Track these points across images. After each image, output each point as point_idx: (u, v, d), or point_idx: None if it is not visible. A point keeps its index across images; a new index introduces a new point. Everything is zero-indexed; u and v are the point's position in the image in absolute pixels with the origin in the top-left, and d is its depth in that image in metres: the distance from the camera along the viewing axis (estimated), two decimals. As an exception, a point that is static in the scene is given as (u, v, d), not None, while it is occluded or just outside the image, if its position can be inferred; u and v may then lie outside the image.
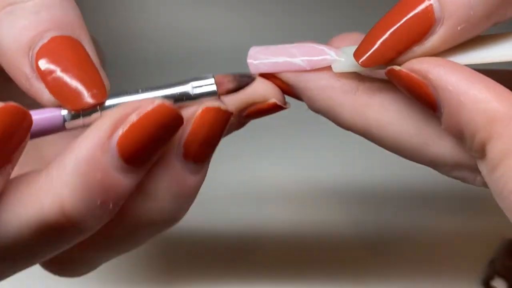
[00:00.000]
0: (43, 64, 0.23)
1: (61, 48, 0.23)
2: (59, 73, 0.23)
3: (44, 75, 0.22)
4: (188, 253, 0.45)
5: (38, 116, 0.23)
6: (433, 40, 0.24)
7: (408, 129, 0.25)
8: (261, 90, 0.27)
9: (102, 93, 0.23)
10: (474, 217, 0.47)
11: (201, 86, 0.25)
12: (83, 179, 0.22)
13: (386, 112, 0.26)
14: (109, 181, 0.22)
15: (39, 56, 0.23)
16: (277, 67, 0.26)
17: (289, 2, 0.43)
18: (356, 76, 0.26)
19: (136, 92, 0.25)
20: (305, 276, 0.45)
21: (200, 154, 0.25)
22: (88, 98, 0.23)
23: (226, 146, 0.30)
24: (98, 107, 0.24)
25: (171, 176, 0.24)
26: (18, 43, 0.23)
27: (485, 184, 0.24)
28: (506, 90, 0.23)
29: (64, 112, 0.24)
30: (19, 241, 0.22)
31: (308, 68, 0.26)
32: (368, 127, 0.26)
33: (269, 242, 0.46)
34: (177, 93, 0.24)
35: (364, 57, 0.24)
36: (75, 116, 0.24)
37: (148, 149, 0.23)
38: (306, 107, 0.28)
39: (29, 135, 0.21)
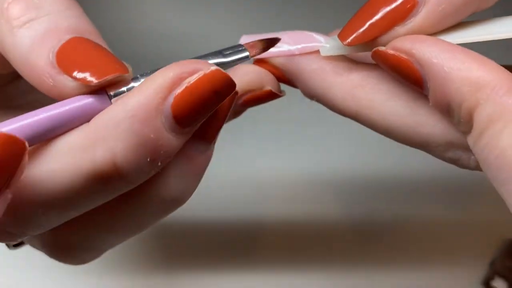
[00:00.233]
0: (64, 59, 0.23)
1: (80, 44, 0.24)
2: (80, 60, 0.23)
3: (66, 68, 0.23)
4: (186, 243, 0.45)
5: (81, 102, 0.24)
6: (416, 20, 0.24)
7: (399, 110, 0.26)
8: (256, 78, 0.28)
9: (124, 67, 0.24)
10: (475, 217, 0.47)
11: (233, 53, 0.25)
12: (137, 137, 0.22)
13: (377, 93, 0.26)
14: (160, 140, 0.23)
15: (59, 54, 0.23)
16: (267, 52, 0.27)
17: (289, 6, 0.44)
18: (347, 59, 0.27)
19: None
20: (302, 264, 0.45)
21: (210, 134, 0.26)
22: (110, 69, 0.23)
23: (226, 139, 0.30)
24: (125, 88, 0.24)
25: (181, 154, 0.25)
26: (39, 48, 0.24)
27: (479, 167, 0.24)
28: (488, 60, 0.23)
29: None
30: (70, 189, 0.23)
31: (297, 53, 0.27)
32: (360, 108, 0.26)
33: (266, 232, 0.46)
34: (213, 63, 0.25)
35: (349, 38, 0.25)
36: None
37: (199, 112, 0.23)
38: (302, 101, 0.29)
39: (26, 160, 0.21)
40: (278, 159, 0.47)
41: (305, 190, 0.47)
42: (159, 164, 0.23)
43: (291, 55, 0.27)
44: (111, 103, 0.24)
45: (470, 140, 0.24)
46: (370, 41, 0.25)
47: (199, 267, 0.45)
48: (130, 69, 0.24)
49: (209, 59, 0.25)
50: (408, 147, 0.27)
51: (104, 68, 0.23)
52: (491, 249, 0.46)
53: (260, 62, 0.28)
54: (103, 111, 0.23)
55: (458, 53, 0.23)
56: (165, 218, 0.27)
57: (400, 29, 0.25)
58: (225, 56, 0.25)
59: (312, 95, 0.28)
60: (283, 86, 0.29)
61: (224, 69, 0.24)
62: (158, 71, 0.23)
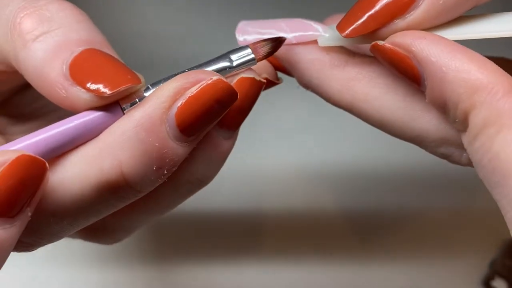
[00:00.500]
0: (77, 71, 0.24)
1: (92, 56, 0.24)
2: (92, 72, 0.24)
3: (79, 80, 0.23)
4: (185, 236, 0.46)
5: (92, 116, 0.24)
6: (416, 14, 0.24)
7: (395, 103, 0.26)
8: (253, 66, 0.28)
9: (137, 78, 0.24)
10: (475, 217, 0.47)
11: (240, 58, 0.26)
12: (142, 146, 0.23)
13: (373, 86, 0.26)
14: (165, 149, 0.23)
15: (72, 66, 0.24)
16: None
17: (288, 8, 0.44)
18: (345, 50, 0.27)
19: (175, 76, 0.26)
20: (301, 257, 0.45)
21: (233, 122, 0.26)
22: (124, 80, 0.24)
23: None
24: (137, 99, 0.24)
25: (207, 141, 0.26)
26: (52, 60, 0.24)
27: (470, 163, 0.24)
28: (488, 61, 0.23)
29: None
30: (80, 199, 0.23)
31: (294, 42, 0.27)
32: (355, 101, 0.26)
33: (265, 226, 0.46)
34: (219, 67, 0.25)
35: (347, 29, 0.25)
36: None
37: (203, 121, 0.24)
38: (304, 94, 0.29)
39: (47, 180, 0.22)
40: (277, 153, 0.47)
41: (304, 184, 0.47)
42: (165, 172, 0.24)
43: (288, 44, 0.27)
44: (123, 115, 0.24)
45: (465, 139, 0.24)
46: (369, 34, 0.25)
47: (198, 260, 0.45)
48: (143, 79, 0.25)
49: (216, 64, 0.25)
50: (408, 144, 0.27)
51: (117, 79, 0.23)
52: (491, 249, 0.46)
53: None
54: (114, 123, 0.24)
55: (457, 53, 0.23)
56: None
57: (400, 22, 0.25)
58: (231, 61, 0.26)
59: (308, 85, 0.27)
60: (280, 74, 0.29)
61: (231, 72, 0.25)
62: (165, 82, 0.24)
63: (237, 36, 0.27)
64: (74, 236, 0.29)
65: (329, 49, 0.27)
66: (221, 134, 0.26)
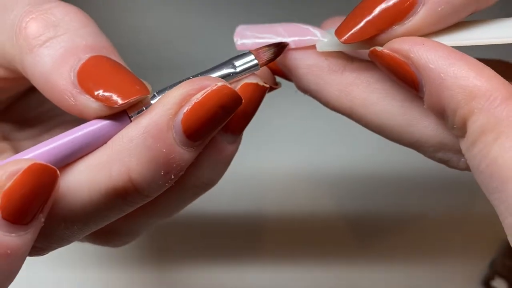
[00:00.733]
0: (85, 78, 0.24)
1: (99, 62, 0.24)
2: (101, 81, 0.24)
3: (87, 88, 0.24)
4: (186, 238, 0.46)
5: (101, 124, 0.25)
6: (414, 20, 0.24)
7: (393, 109, 0.26)
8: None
9: (145, 88, 0.24)
10: (475, 217, 0.47)
11: (243, 64, 0.26)
12: (150, 151, 0.24)
13: (371, 92, 0.26)
14: (172, 155, 0.24)
15: (80, 73, 0.24)
16: (263, 45, 0.27)
17: (288, 10, 0.44)
18: (344, 56, 0.27)
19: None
20: (301, 259, 0.46)
21: (237, 127, 0.27)
22: (133, 91, 0.24)
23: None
24: (144, 107, 0.25)
25: (212, 146, 0.26)
26: (59, 67, 0.24)
27: (468, 167, 0.24)
28: (486, 67, 0.23)
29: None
30: (90, 205, 0.24)
31: (293, 46, 0.27)
32: (354, 106, 0.26)
33: (265, 228, 0.46)
34: (223, 73, 0.26)
35: (345, 35, 0.25)
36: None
37: (209, 126, 0.24)
38: (303, 98, 0.29)
39: (58, 187, 0.23)
40: (278, 156, 0.47)
41: (305, 187, 0.47)
42: (173, 177, 0.24)
43: (287, 49, 0.27)
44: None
45: (463, 145, 0.24)
46: (367, 39, 0.25)
47: (198, 261, 0.46)
48: (150, 88, 0.25)
49: (220, 70, 0.26)
50: (408, 147, 0.27)
51: (126, 90, 0.24)
52: (491, 249, 0.46)
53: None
54: (121, 131, 0.24)
55: (456, 60, 0.23)
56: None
57: (398, 29, 0.25)
58: (235, 67, 0.26)
59: (306, 90, 0.28)
60: (279, 79, 0.29)
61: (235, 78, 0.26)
62: (171, 89, 0.25)
63: (235, 40, 0.27)
64: (82, 239, 0.30)
65: (327, 54, 0.27)
66: (225, 139, 0.27)
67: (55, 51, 0.24)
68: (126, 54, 0.28)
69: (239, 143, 0.28)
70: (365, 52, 0.26)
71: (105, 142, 0.24)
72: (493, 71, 0.23)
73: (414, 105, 0.26)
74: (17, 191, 0.22)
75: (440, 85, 0.23)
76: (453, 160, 0.26)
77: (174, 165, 0.24)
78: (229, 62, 0.26)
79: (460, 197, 0.47)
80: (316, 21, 0.31)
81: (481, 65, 0.23)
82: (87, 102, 0.24)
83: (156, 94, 0.25)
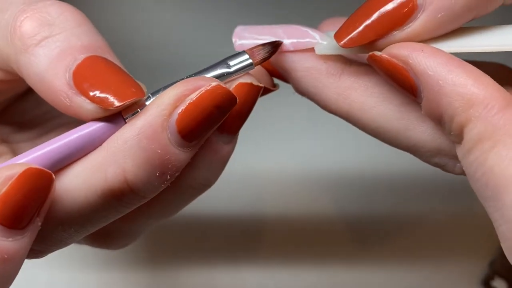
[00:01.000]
0: (81, 80, 0.24)
1: (95, 63, 0.24)
2: (96, 82, 0.24)
3: (83, 90, 0.24)
4: (184, 239, 0.46)
5: (96, 126, 0.25)
6: (414, 26, 0.24)
7: (390, 113, 0.26)
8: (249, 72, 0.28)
9: (140, 90, 0.24)
10: (475, 217, 0.46)
11: (238, 63, 0.26)
12: (145, 153, 0.24)
13: (369, 96, 0.26)
14: (167, 155, 0.24)
15: (76, 74, 0.24)
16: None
17: (288, 13, 0.44)
18: (342, 59, 0.27)
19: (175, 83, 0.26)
20: (300, 261, 0.46)
21: (233, 127, 0.27)
22: (128, 93, 0.24)
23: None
24: (139, 109, 0.25)
25: (208, 147, 0.26)
26: (55, 68, 0.24)
27: (463, 172, 0.24)
28: (484, 75, 0.23)
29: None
30: (86, 207, 0.24)
31: (292, 49, 0.27)
32: (351, 110, 0.26)
33: (264, 229, 0.46)
34: (218, 73, 0.26)
35: (345, 39, 0.25)
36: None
37: (204, 126, 0.24)
38: (301, 99, 0.29)
39: (54, 190, 0.23)
40: (276, 157, 0.47)
41: (303, 188, 0.47)
42: (168, 178, 0.24)
43: (285, 52, 0.27)
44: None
45: (459, 152, 0.24)
46: (367, 44, 0.25)
47: (196, 262, 0.46)
48: (145, 90, 0.25)
49: (215, 70, 0.26)
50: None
51: (122, 92, 0.24)
52: (491, 249, 0.46)
53: None
54: (116, 132, 0.24)
55: (454, 67, 0.23)
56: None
57: (398, 34, 0.25)
58: (229, 66, 0.26)
59: (304, 93, 0.28)
60: (277, 80, 0.29)
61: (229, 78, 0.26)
62: (165, 90, 0.24)
63: (233, 41, 0.27)
64: (81, 242, 0.30)
65: (326, 57, 0.27)
66: (221, 139, 0.27)
67: (51, 51, 0.24)
68: (122, 53, 0.28)
69: (235, 143, 0.28)
70: (363, 56, 0.26)
71: (100, 144, 0.24)
72: (491, 78, 0.23)
73: (411, 110, 0.26)
74: (12, 196, 0.22)
75: (438, 92, 0.23)
76: (449, 165, 0.26)
77: (170, 166, 0.24)
78: (224, 62, 0.26)
79: (460, 198, 0.47)
80: (316, 21, 0.31)
81: (479, 72, 0.23)
82: (82, 104, 0.24)
83: (150, 96, 0.25)
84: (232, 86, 0.26)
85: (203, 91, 0.24)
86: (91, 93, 0.24)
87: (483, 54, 0.25)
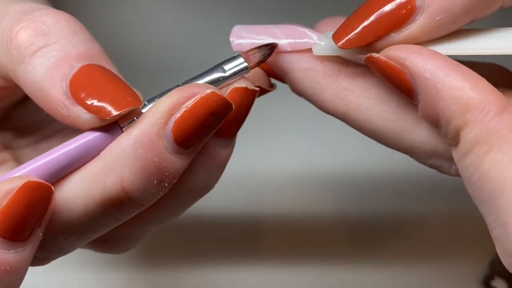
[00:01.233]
0: (78, 89, 0.24)
1: (91, 72, 0.24)
2: (93, 92, 0.24)
3: (80, 99, 0.24)
4: (185, 239, 0.46)
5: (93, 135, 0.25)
6: (412, 28, 0.24)
7: (387, 115, 0.26)
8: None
9: (137, 99, 0.25)
10: (475, 217, 0.46)
11: (233, 67, 0.26)
12: (141, 161, 0.24)
13: (366, 97, 0.26)
14: (164, 163, 0.24)
15: (72, 83, 0.24)
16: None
17: (288, 13, 0.44)
18: (339, 60, 0.27)
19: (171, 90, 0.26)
20: (300, 261, 0.46)
21: (229, 131, 0.27)
22: (124, 102, 0.24)
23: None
24: (135, 117, 0.25)
25: (205, 152, 0.26)
26: (51, 77, 0.24)
27: (459, 174, 0.24)
28: (481, 79, 0.23)
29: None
30: (86, 216, 0.24)
31: (289, 49, 0.27)
32: (348, 111, 0.26)
33: (264, 229, 0.46)
34: (213, 78, 0.26)
35: (342, 40, 0.25)
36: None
37: (200, 133, 0.24)
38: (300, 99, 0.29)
39: (54, 202, 0.23)
40: (275, 158, 0.47)
41: (302, 188, 0.47)
42: (166, 185, 0.25)
43: (283, 52, 0.27)
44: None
45: (455, 155, 0.24)
46: (364, 45, 0.25)
47: (195, 263, 0.46)
48: (141, 98, 0.25)
49: (210, 75, 0.26)
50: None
51: (119, 101, 0.24)
52: (491, 249, 0.45)
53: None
54: (113, 142, 0.24)
55: (452, 70, 0.23)
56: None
57: (396, 36, 0.25)
58: (225, 71, 0.26)
59: (301, 94, 0.28)
60: (274, 80, 0.29)
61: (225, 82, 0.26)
62: (161, 98, 0.25)
63: (231, 40, 0.27)
64: (84, 247, 0.30)
65: (323, 58, 0.27)
66: (218, 143, 0.27)
67: (47, 61, 0.24)
68: (121, 56, 0.28)
69: (232, 147, 0.28)
70: (361, 57, 0.26)
71: (98, 153, 0.24)
72: (488, 82, 0.23)
73: (408, 112, 0.26)
74: (12, 209, 0.22)
75: (435, 95, 0.23)
76: (445, 166, 0.26)
77: (167, 174, 0.24)
78: (219, 66, 0.26)
79: (460, 198, 0.46)
80: (316, 22, 0.31)
81: (476, 76, 0.23)
82: (79, 114, 0.24)
83: (146, 103, 0.25)
84: (227, 90, 0.26)
85: (198, 98, 0.24)
86: (88, 102, 0.24)
87: (480, 57, 0.25)
